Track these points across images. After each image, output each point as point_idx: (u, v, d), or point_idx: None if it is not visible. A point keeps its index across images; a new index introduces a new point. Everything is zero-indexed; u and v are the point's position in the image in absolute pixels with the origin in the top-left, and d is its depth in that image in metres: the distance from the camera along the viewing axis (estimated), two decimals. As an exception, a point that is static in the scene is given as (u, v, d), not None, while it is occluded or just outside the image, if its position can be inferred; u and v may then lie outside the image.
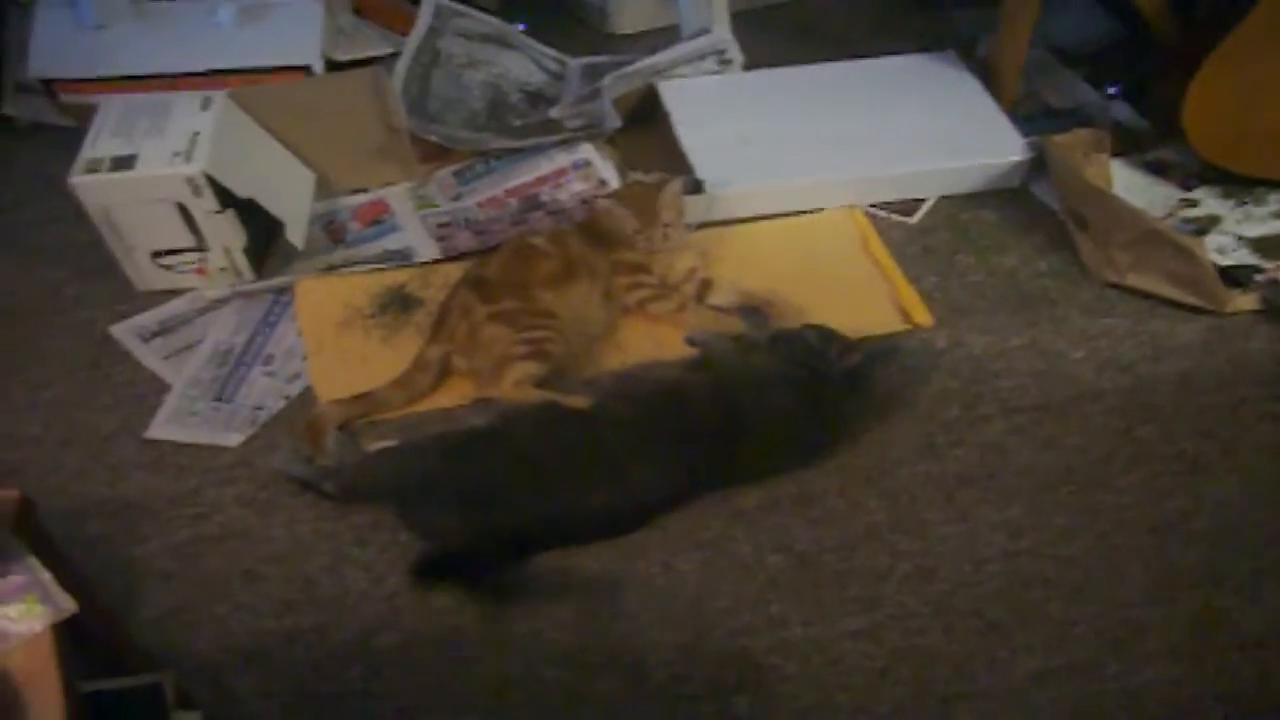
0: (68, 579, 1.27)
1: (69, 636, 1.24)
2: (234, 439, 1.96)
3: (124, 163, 2.07)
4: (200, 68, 2.49)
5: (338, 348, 2.11)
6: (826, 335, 1.97)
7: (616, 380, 1.96)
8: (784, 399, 1.89)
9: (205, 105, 2.19)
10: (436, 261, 2.28)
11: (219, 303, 2.20)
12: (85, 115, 2.22)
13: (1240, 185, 2.41)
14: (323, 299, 2.19)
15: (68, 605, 1.24)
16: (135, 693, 1.47)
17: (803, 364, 1.92)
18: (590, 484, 1.79)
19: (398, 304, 2.19)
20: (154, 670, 1.48)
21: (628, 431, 1.83)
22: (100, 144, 2.11)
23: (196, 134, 2.11)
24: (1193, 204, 2.39)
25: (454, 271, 2.23)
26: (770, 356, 1.95)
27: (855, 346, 1.96)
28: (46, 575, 1.26)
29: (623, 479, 1.81)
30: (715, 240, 2.32)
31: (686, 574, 1.77)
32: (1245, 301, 2.17)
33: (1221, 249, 2.26)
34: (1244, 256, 2.26)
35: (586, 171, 2.43)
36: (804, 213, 2.39)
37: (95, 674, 1.41)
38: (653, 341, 2.12)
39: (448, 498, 1.79)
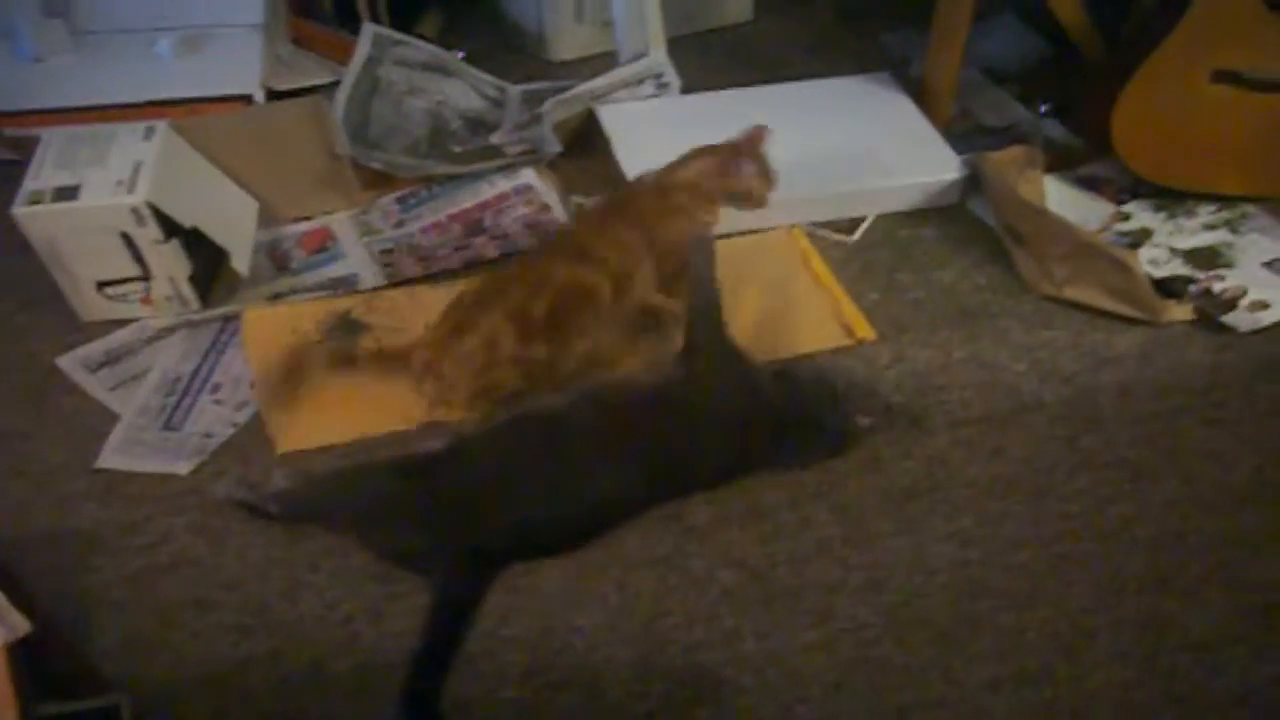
0: (20, 601, 1.27)
1: (24, 661, 1.24)
2: (183, 467, 1.95)
3: (67, 193, 2.06)
4: (141, 99, 2.49)
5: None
6: (839, 394, 1.99)
7: (591, 387, 1.95)
8: (764, 434, 1.90)
9: (147, 135, 2.18)
10: (381, 288, 2.29)
11: (165, 332, 2.19)
12: (27, 147, 2.21)
13: (1171, 198, 2.46)
14: (269, 327, 2.19)
15: (21, 625, 1.24)
16: (91, 715, 1.47)
17: (802, 411, 1.93)
18: (552, 495, 1.79)
19: (344, 329, 2.18)
20: (109, 694, 1.48)
21: (594, 440, 1.83)
22: (43, 175, 2.10)
23: (139, 164, 2.11)
24: (1126, 218, 2.43)
25: (399, 297, 2.25)
26: (771, 387, 1.95)
27: (868, 411, 1.99)
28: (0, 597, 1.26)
29: (586, 489, 1.81)
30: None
31: (640, 591, 1.78)
32: (1180, 312, 2.21)
33: (1155, 261, 2.31)
34: (1177, 268, 2.30)
35: (529, 196, 2.45)
36: (746, 233, 2.41)
37: (51, 699, 1.41)
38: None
39: (406, 517, 1.78)
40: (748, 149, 2.10)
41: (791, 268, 2.35)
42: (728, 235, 2.30)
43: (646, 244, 2.06)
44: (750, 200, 2.12)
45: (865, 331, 2.20)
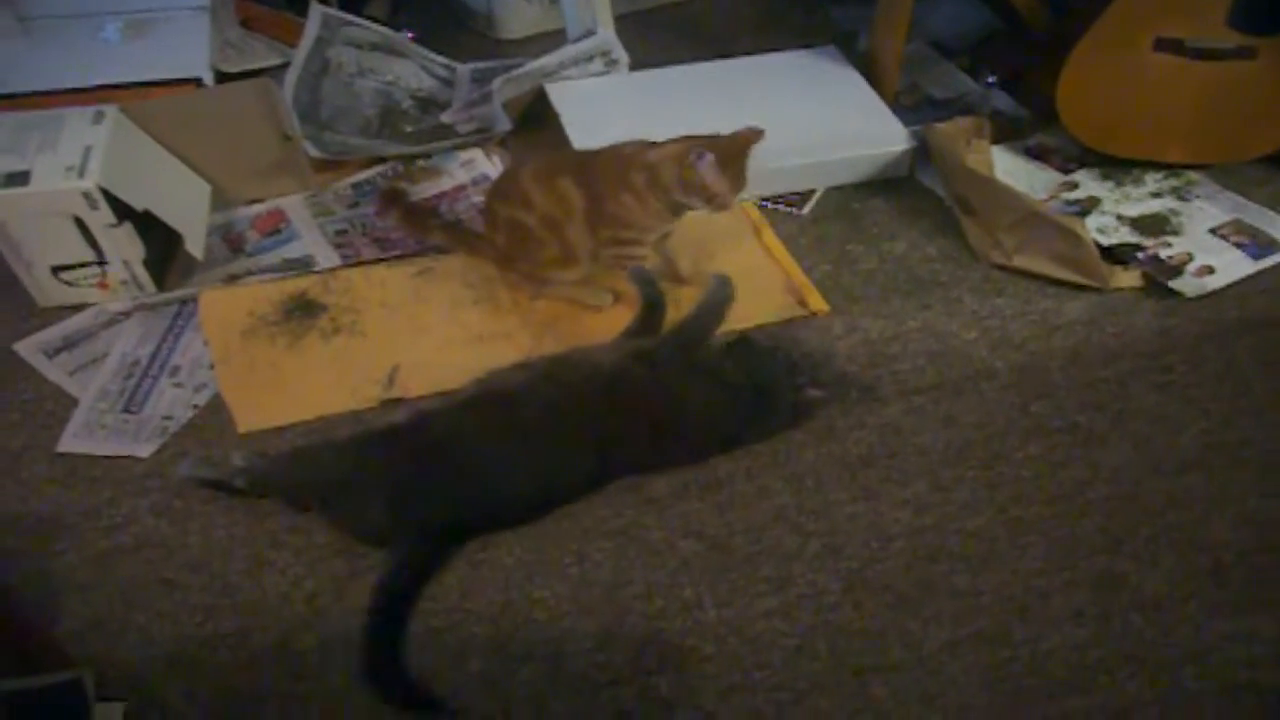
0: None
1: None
2: (145, 449, 1.95)
3: (17, 179, 2.05)
4: (89, 83, 2.48)
5: (245, 355, 2.11)
6: (794, 366, 2.02)
7: (550, 363, 1.95)
8: (721, 408, 1.93)
9: (97, 120, 2.18)
10: (336, 268, 2.29)
11: (122, 316, 2.19)
12: (-24, 134, 2.20)
13: (1118, 167, 2.49)
14: (227, 309, 2.20)
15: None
16: (56, 690, 1.47)
17: (755, 381, 1.94)
18: (511, 470, 1.81)
19: (301, 310, 2.19)
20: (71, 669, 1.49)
21: (553, 415, 1.84)
22: (-8, 161, 2.09)
23: (89, 148, 2.10)
24: (1073, 186, 2.46)
25: (355, 276, 2.26)
26: (722, 360, 1.97)
27: (819, 383, 2.01)
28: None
29: (544, 464, 1.84)
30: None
31: (600, 562, 1.80)
32: (1128, 278, 2.24)
33: (1103, 229, 2.34)
34: (1125, 235, 2.33)
35: (485, 187, 2.44)
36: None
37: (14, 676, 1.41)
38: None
39: (370, 491, 1.79)
40: (728, 147, 2.05)
41: (743, 241, 2.37)
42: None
43: (586, 206, 2.09)
44: (711, 199, 2.05)
45: (818, 303, 2.22)
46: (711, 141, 2.03)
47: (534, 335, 2.16)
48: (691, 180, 2.01)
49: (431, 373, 2.06)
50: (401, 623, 1.71)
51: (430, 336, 2.17)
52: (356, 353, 2.13)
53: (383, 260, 2.31)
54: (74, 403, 2.05)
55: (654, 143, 2.09)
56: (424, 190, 2.48)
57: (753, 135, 2.05)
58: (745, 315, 2.09)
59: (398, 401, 2.02)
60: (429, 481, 1.80)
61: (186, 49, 2.60)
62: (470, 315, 2.21)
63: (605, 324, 2.14)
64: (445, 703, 1.63)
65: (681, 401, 1.90)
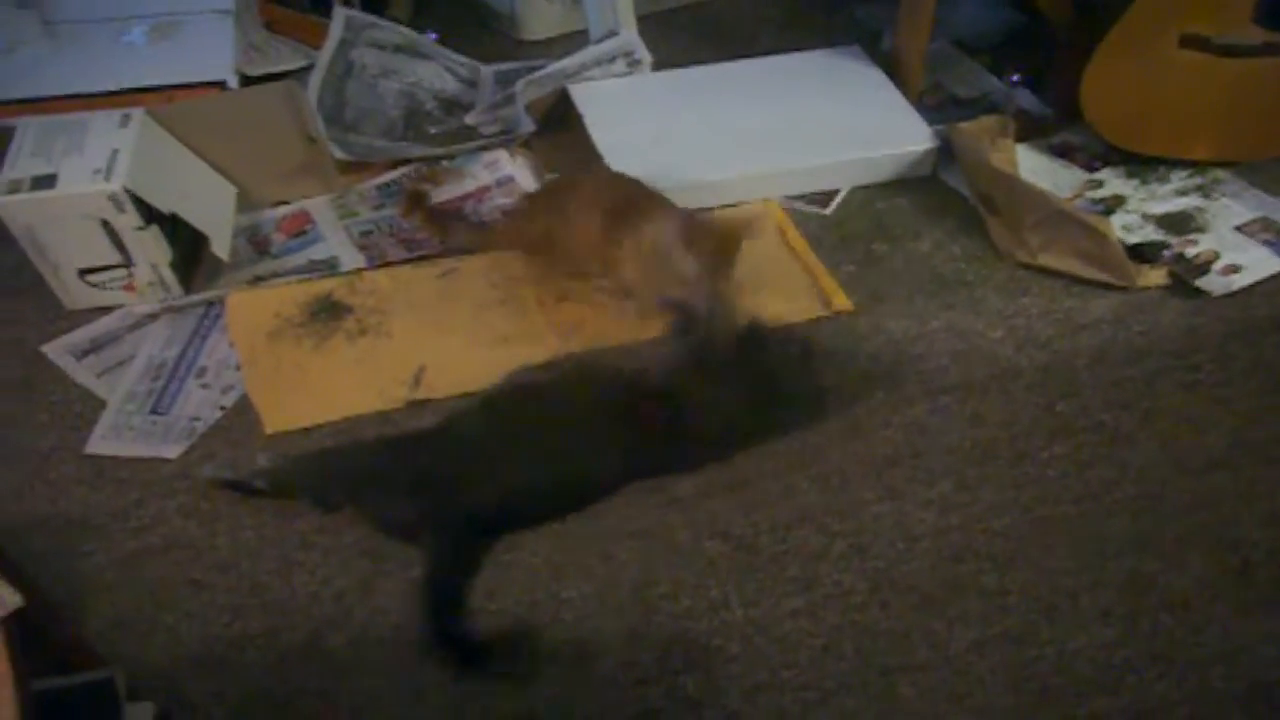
0: (13, 578, 1.27)
1: (19, 638, 1.25)
2: (172, 451, 1.96)
3: (44, 182, 2.06)
4: (114, 87, 2.49)
5: (271, 357, 2.12)
6: (808, 353, 2.03)
7: (576, 363, 1.98)
8: (737, 404, 1.93)
9: (124, 123, 2.19)
10: (362, 270, 2.30)
11: (149, 318, 2.20)
12: (2, 138, 2.21)
13: (1143, 165, 2.48)
14: (253, 311, 2.20)
15: (14, 600, 1.25)
16: (87, 689, 1.47)
17: (769, 372, 1.95)
18: (537, 466, 1.82)
19: (326, 311, 2.20)
20: (103, 668, 1.49)
21: (578, 414, 1.86)
22: (20, 164, 2.10)
23: (116, 151, 2.11)
24: (1098, 185, 2.45)
25: (380, 278, 2.26)
26: (736, 355, 1.97)
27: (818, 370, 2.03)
28: (-8, 575, 1.26)
29: (569, 461, 1.85)
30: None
31: (626, 562, 1.80)
32: (1154, 276, 2.23)
33: (1128, 227, 2.33)
34: (1150, 233, 2.32)
35: (510, 188, 2.46)
36: (723, 207, 2.41)
37: (47, 675, 1.42)
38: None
39: (398, 484, 1.81)
40: (702, 228, 2.08)
41: (768, 241, 2.36)
42: (706, 210, 2.32)
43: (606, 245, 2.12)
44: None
45: (843, 302, 2.22)
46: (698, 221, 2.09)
47: (560, 336, 2.15)
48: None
49: (458, 373, 2.06)
50: (458, 604, 1.74)
51: (456, 337, 2.16)
52: (382, 353, 2.13)
53: (408, 261, 2.31)
54: (102, 404, 2.05)
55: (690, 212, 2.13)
56: (449, 191, 2.47)
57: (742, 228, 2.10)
58: (772, 317, 2.09)
59: (424, 402, 2.02)
60: (456, 475, 1.81)
61: (211, 52, 2.61)
62: (495, 316, 2.21)
63: (630, 327, 2.14)
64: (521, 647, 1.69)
65: (699, 401, 1.90)
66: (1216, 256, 2.27)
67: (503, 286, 2.26)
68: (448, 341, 2.16)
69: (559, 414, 1.86)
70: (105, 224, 2.09)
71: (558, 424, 1.85)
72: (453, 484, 1.80)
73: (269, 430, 2.00)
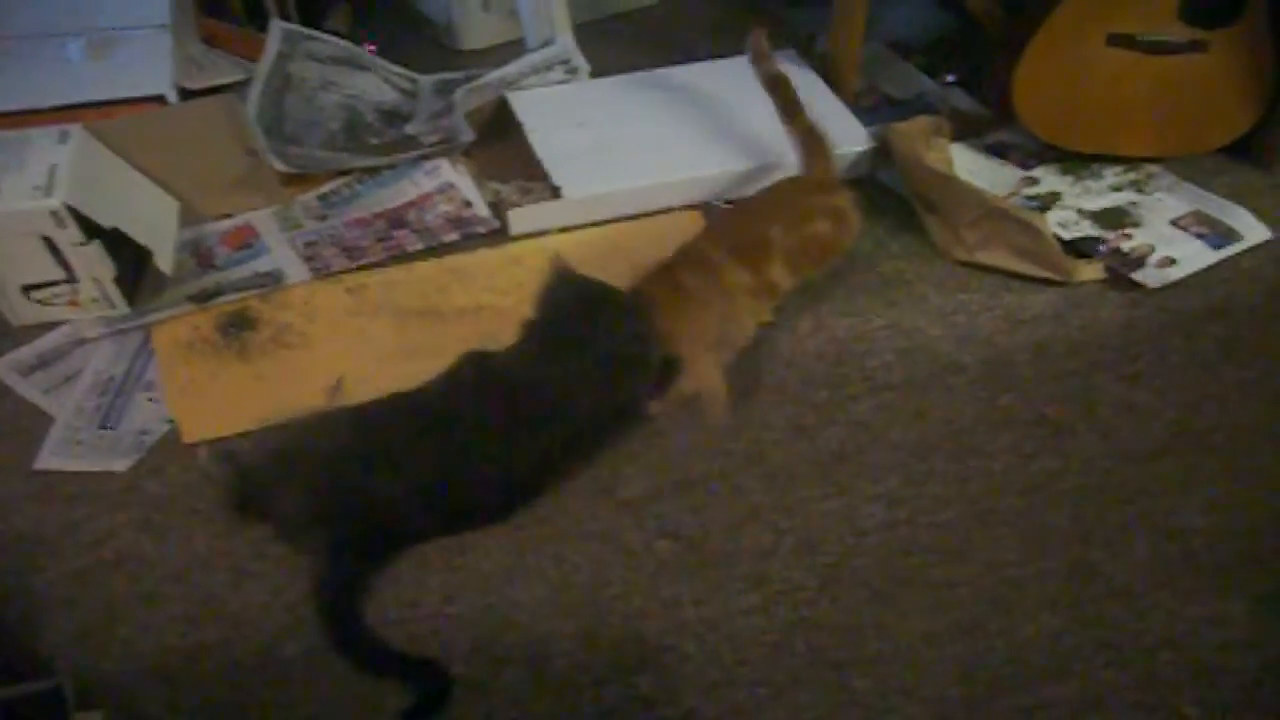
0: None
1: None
2: (121, 465, 1.95)
3: (-16, 199, 2.05)
4: (53, 103, 2.47)
5: (187, 367, 2.13)
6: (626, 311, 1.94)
7: (459, 362, 1.93)
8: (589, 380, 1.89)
9: (62, 139, 2.17)
10: (282, 287, 2.29)
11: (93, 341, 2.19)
12: (-62, 156, 2.20)
13: (1078, 162, 2.51)
14: (174, 331, 2.20)
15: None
16: (34, 698, 1.48)
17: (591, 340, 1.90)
18: (437, 472, 1.80)
19: (236, 325, 2.20)
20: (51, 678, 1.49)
21: (474, 417, 1.84)
22: (-42, 182, 2.09)
23: (55, 167, 2.09)
24: (1034, 182, 2.48)
25: (296, 292, 2.27)
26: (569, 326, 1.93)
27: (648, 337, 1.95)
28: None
29: (468, 465, 1.81)
30: (573, 243, 2.37)
31: (578, 564, 1.81)
32: (1091, 271, 2.26)
33: (1065, 223, 2.35)
34: (1087, 229, 2.35)
35: (450, 194, 2.47)
36: (660, 212, 2.43)
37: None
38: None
39: (287, 487, 1.81)
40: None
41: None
42: (634, 217, 2.34)
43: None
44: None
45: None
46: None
47: (478, 345, 2.13)
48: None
49: (377, 384, 2.00)
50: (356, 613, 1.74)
51: (374, 348, 2.16)
52: (302, 364, 2.13)
53: (332, 275, 2.31)
54: (50, 420, 2.04)
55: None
56: (391, 199, 2.48)
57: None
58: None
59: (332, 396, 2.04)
60: (339, 480, 1.80)
61: (150, 67, 2.59)
62: (414, 327, 2.21)
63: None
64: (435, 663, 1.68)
65: (550, 386, 1.87)
66: (1152, 250, 2.30)
67: (422, 298, 2.26)
68: (366, 352, 2.16)
69: (452, 419, 1.84)
70: (47, 240, 2.08)
71: (452, 430, 1.82)
72: (331, 494, 1.79)
73: (186, 440, 1.99)
